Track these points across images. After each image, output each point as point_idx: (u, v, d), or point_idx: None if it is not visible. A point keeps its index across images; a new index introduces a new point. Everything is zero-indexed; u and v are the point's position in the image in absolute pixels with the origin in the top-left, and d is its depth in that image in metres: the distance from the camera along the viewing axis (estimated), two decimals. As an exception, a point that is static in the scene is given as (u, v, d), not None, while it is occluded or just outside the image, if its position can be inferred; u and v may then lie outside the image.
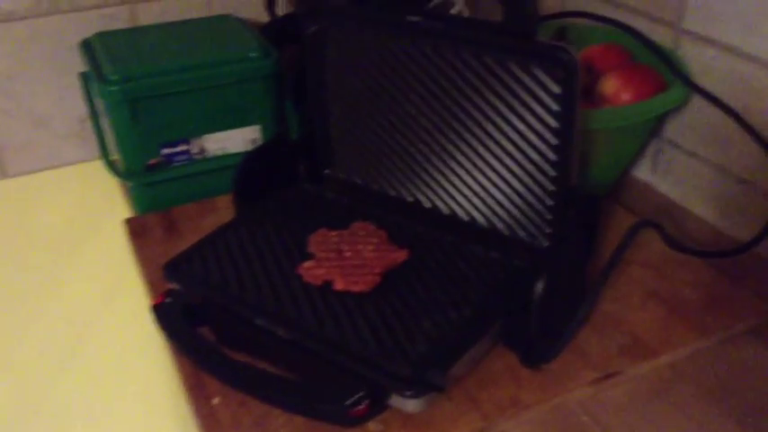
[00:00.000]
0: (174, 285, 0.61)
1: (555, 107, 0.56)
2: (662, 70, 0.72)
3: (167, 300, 0.58)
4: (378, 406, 0.50)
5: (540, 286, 0.54)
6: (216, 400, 0.56)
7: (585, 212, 0.60)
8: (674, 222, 0.77)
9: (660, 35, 0.75)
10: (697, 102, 0.75)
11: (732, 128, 0.71)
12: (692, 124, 0.76)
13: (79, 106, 0.92)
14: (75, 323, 0.93)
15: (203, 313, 0.59)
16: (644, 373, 0.59)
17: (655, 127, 0.78)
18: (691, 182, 0.78)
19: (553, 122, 0.57)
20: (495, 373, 0.57)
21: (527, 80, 0.56)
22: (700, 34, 0.72)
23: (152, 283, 0.69)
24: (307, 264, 0.61)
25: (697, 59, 0.72)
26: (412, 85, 0.64)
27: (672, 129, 0.79)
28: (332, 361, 0.53)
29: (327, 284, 0.59)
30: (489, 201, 0.64)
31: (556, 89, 0.55)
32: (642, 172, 0.84)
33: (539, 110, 0.57)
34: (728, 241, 0.72)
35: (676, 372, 0.59)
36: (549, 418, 0.55)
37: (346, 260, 0.61)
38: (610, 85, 0.70)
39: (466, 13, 0.80)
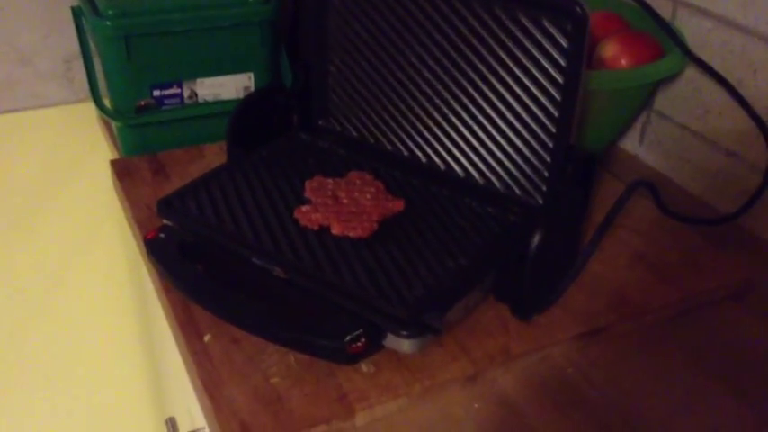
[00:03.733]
0: (166, 222, 0.60)
1: (562, 62, 0.56)
2: (660, 39, 0.73)
3: (161, 235, 0.57)
4: (374, 345, 0.51)
5: (535, 240, 0.55)
6: (207, 337, 0.56)
7: (582, 171, 0.61)
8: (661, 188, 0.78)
9: (659, 5, 0.76)
10: (688, 73, 0.76)
11: (724, 100, 0.72)
12: (683, 96, 0.77)
13: (65, 46, 0.90)
14: (58, 261, 0.92)
15: (196, 251, 0.58)
16: (629, 331, 0.60)
17: (646, 97, 0.79)
18: (678, 153, 0.79)
19: (559, 77, 0.57)
20: (485, 323, 0.58)
21: (536, 33, 0.57)
22: (697, 6, 0.73)
23: (140, 222, 0.68)
24: (304, 208, 0.60)
25: (694, 31, 0.73)
26: (416, 35, 0.64)
27: (661, 100, 0.80)
28: (329, 301, 0.53)
29: (324, 229, 0.59)
30: (487, 156, 0.64)
31: (564, 43, 0.55)
32: (630, 143, 0.86)
33: (545, 64, 0.57)
34: (713, 213, 0.74)
35: (661, 331, 0.60)
36: (536, 368, 0.56)
37: (343, 206, 0.61)
38: (609, 48, 0.71)
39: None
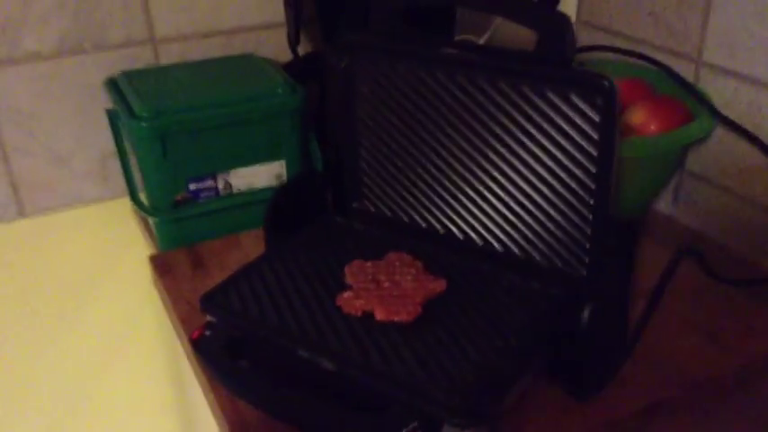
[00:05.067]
0: (210, 318, 0.60)
1: (594, 135, 0.56)
2: (686, 102, 0.73)
3: (206, 333, 0.57)
4: (429, 436, 0.49)
5: (585, 315, 0.54)
6: (257, 434, 0.55)
7: (623, 240, 0.60)
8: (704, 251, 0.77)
9: (681, 69, 0.77)
10: (718, 132, 0.76)
11: (756, 157, 0.72)
12: (715, 155, 0.77)
13: (99, 144, 0.93)
14: (98, 361, 0.92)
15: (242, 346, 0.58)
16: (689, 403, 0.58)
17: (678, 159, 0.79)
18: (714, 212, 0.79)
19: (592, 150, 0.57)
20: (539, 404, 0.57)
21: (565, 108, 0.57)
22: (720, 66, 0.74)
23: (183, 319, 0.68)
24: (345, 294, 0.60)
25: (719, 91, 0.74)
26: (445, 116, 0.65)
27: (693, 161, 0.80)
28: (379, 392, 0.52)
29: (368, 315, 0.58)
30: (526, 230, 0.64)
31: (595, 116, 0.56)
32: (663, 204, 0.85)
33: (577, 138, 0.57)
34: (756, 271, 0.73)
35: (721, 400, 0.58)
36: (596, 449, 0.54)
37: (385, 290, 0.60)
38: (637, 115, 0.71)
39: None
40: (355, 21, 0.68)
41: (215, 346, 0.56)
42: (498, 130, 0.62)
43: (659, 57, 0.79)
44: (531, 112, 0.59)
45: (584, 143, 0.57)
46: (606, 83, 0.54)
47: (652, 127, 0.70)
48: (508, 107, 0.60)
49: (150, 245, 0.85)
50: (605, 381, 0.56)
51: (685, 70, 0.77)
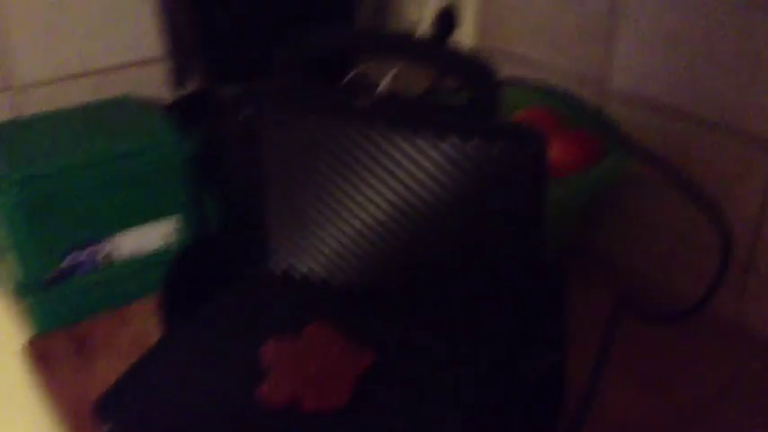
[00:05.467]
0: (108, 427, 0.51)
1: (521, 189, 0.53)
2: (594, 133, 0.72)
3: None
4: None
5: (525, 374, 0.50)
6: None
7: (555, 293, 0.57)
8: (621, 285, 0.76)
9: (588, 96, 0.76)
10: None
11: (667, 186, 0.72)
12: (625, 184, 0.77)
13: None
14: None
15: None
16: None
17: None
18: (632, 242, 0.78)
19: (519, 204, 0.54)
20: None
21: (489, 164, 0.53)
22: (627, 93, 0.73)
23: (71, 425, 0.59)
24: (267, 384, 0.53)
25: (627, 119, 0.73)
26: (360, 171, 0.59)
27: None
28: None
29: (294, 404, 0.52)
30: (453, 288, 0.60)
31: (521, 171, 0.52)
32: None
33: (503, 193, 0.54)
34: (681, 299, 0.72)
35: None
36: None
37: (310, 373, 0.54)
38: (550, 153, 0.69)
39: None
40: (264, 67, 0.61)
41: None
42: (417, 186, 0.57)
43: (561, 80, 0.78)
44: (452, 168, 0.55)
45: (511, 198, 0.54)
46: (533, 136, 0.51)
47: (564, 166, 0.68)
48: (427, 163, 0.56)
49: (18, 322, 0.74)
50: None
51: (593, 96, 0.76)
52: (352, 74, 0.83)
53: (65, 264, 0.69)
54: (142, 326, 0.71)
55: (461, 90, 0.52)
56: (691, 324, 0.68)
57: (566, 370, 0.58)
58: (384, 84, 0.76)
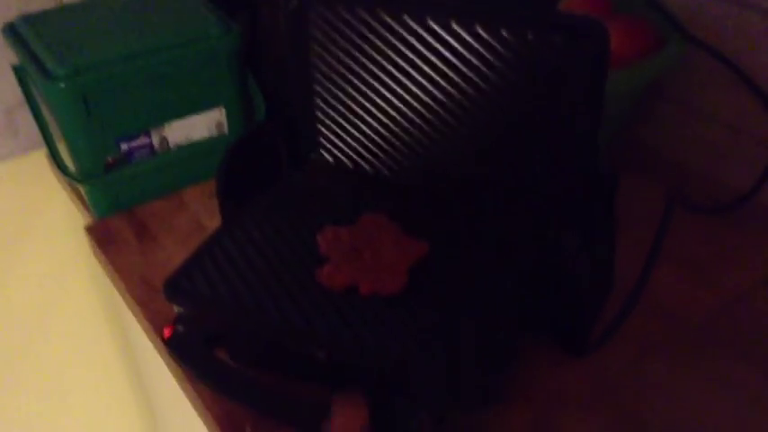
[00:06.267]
0: (179, 309, 0.55)
1: (581, 82, 0.52)
2: (650, 22, 0.70)
3: (179, 328, 0.52)
4: (436, 423, 0.48)
5: (577, 269, 0.52)
6: (248, 429, 0.52)
7: (608, 190, 0.58)
8: (668, 175, 0.77)
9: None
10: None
11: (721, 75, 0.70)
12: (676, 72, 0.75)
13: (3, 98, 0.82)
14: (26, 340, 0.84)
15: (220, 335, 0.53)
16: (675, 341, 0.59)
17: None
18: (679, 132, 0.78)
19: (578, 98, 0.53)
20: (535, 364, 0.56)
21: (549, 55, 0.52)
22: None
23: (141, 303, 0.62)
24: (325, 269, 0.56)
25: (685, 7, 0.71)
26: (412, 61, 0.59)
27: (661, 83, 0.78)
28: (377, 380, 0.49)
29: (351, 290, 0.55)
30: (505, 183, 0.60)
31: (582, 62, 0.52)
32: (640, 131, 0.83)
33: (561, 85, 0.53)
34: (726, 190, 0.73)
35: (704, 333, 0.59)
36: (593, 405, 0.54)
37: (366, 260, 0.56)
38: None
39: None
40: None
41: (191, 343, 0.52)
42: (473, 75, 0.57)
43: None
44: (510, 57, 0.54)
45: (570, 90, 0.53)
46: (593, 25, 0.50)
47: (622, 53, 0.66)
48: (484, 52, 0.55)
49: (78, 205, 0.77)
50: (605, 337, 0.56)
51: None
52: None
53: (120, 151, 0.70)
54: (198, 211, 0.73)
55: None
56: (738, 216, 0.69)
57: (613, 261, 0.60)
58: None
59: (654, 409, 0.53)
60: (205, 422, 0.54)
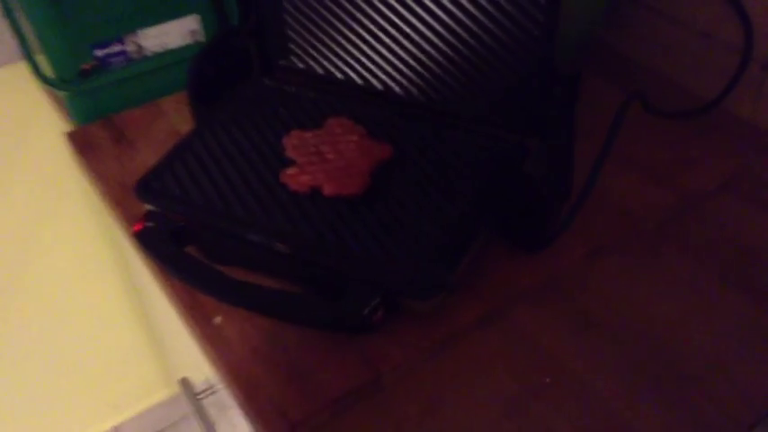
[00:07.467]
0: (149, 207, 0.57)
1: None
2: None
3: (149, 224, 0.55)
4: (392, 311, 0.50)
5: (534, 169, 0.54)
6: (218, 320, 0.55)
7: (569, 89, 0.59)
8: (636, 82, 0.77)
9: None
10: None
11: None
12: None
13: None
14: (19, 247, 0.87)
15: (189, 232, 0.56)
16: (631, 241, 0.61)
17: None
18: (651, 38, 0.77)
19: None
20: (490, 261, 0.58)
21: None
22: None
23: (117, 203, 0.65)
24: (290, 171, 0.58)
25: None
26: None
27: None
28: (336, 271, 0.52)
29: (315, 191, 0.57)
30: (469, 86, 0.61)
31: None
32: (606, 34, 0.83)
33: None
34: (695, 100, 0.73)
35: (662, 235, 0.61)
36: (546, 300, 0.57)
37: (330, 162, 0.58)
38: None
39: None
40: None
41: (160, 237, 0.54)
42: (437, -22, 0.57)
43: None
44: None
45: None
46: None
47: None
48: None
49: (60, 116, 0.79)
50: (557, 234, 0.58)
51: None
52: None
53: (94, 57, 0.71)
54: (175, 118, 0.75)
55: None
56: (704, 123, 0.70)
57: (571, 164, 0.61)
58: None
59: (603, 305, 0.56)
60: (178, 313, 0.57)
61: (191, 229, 0.56)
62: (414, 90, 0.64)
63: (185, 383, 0.78)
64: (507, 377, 0.52)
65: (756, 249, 0.59)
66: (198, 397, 0.75)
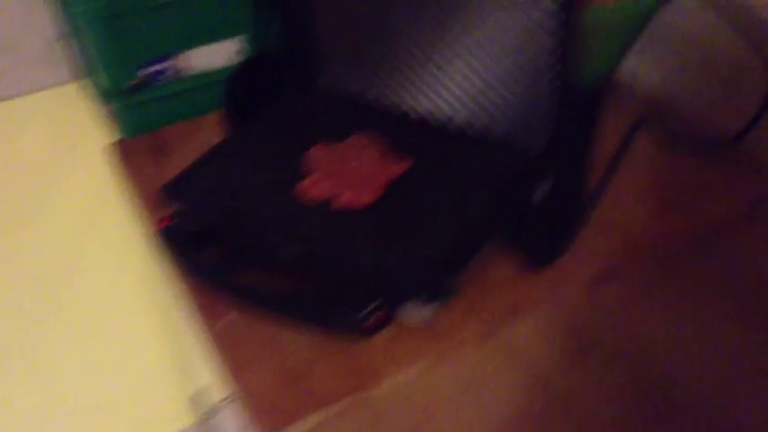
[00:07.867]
0: (175, 206, 0.61)
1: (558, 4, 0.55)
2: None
3: (173, 222, 0.58)
4: (391, 315, 0.52)
5: (544, 186, 0.55)
6: (227, 319, 0.57)
7: (585, 111, 0.60)
8: (660, 117, 0.77)
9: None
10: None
11: (716, 22, 0.70)
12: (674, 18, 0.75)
13: (47, 28, 0.88)
14: (63, 252, 0.92)
15: (209, 235, 0.59)
16: (641, 269, 0.60)
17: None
18: (675, 75, 0.78)
19: (556, 13, 0.55)
20: (492, 278, 0.58)
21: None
22: None
23: (150, 207, 0.68)
24: (308, 180, 0.60)
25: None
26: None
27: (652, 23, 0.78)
28: (346, 272, 0.53)
29: (330, 199, 0.59)
30: (488, 104, 0.63)
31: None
32: (627, 69, 0.84)
33: (541, 8, 0.56)
34: (714, 133, 0.73)
35: (673, 264, 0.61)
36: (546, 322, 0.57)
37: (348, 173, 0.61)
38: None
39: None
40: None
41: (180, 234, 0.57)
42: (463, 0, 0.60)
43: None
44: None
45: (548, 13, 0.56)
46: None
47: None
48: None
49: (110, 131, 0.84)
50: (561, 250, 0.58)
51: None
52: None
53: (143, 74, 0.76)
54: (214, 134, 0.79)
55: None
56: (722, 155, 0.70)
57: (583, 182, 0.62)
58: None
59: (603, 329, 0.56)
60: (190, 311, 0.60)
61: (211, 231, 0.59)
62: (438, 112, 0.66)
63: (195, 400, 0.80)
64: (500, 398, 0.52)
65: (764, 284, 0.59)
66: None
